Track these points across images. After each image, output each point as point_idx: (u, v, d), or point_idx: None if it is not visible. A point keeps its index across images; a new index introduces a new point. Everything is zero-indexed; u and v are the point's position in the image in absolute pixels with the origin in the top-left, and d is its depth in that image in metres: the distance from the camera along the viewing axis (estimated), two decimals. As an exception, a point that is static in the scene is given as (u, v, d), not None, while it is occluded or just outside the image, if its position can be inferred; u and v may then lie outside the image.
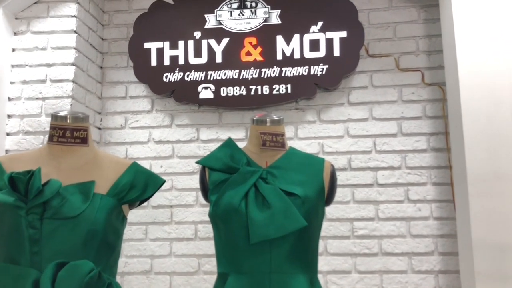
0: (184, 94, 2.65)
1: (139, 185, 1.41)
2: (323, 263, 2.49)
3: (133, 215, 2.65)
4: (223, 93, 2.61)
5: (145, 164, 2.68)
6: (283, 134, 1.47)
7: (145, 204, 2.63)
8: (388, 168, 2.54)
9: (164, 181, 1.49)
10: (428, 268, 2.43)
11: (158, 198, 2.65)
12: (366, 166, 2.55)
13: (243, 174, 1.38)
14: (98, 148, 1.48)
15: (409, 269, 2.44)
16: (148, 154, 2.71)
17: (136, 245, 2.63)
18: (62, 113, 1.39)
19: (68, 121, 1.38)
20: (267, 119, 1.46)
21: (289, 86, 2.57)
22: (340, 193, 2.54)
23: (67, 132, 1.36)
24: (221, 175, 1.42)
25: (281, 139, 1.46)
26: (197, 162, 1.48)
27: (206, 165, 1.46)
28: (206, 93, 2.63)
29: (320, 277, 2.57)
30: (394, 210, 2.50)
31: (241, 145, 1.53)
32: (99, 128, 2.77)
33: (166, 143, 2.71)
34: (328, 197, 1.45)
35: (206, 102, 2.64)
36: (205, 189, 1.46)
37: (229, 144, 1.49)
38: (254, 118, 1.47)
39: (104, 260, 1.31)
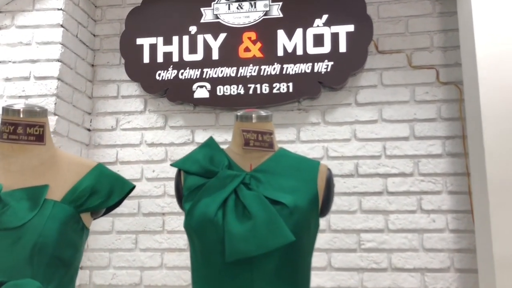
0: (178, 93, 2.46)
1: (103, 190, 1.22)
2: (326, 279, 2.27)
3: (122, 223, 2.46)
4: (220, 92, 2.42)
5: (136, 168, 2.50)
6: (271, 133, 1.26)
7: (135, 211, 2.45)
8: (399, 174, 2.31)
9: (133, 186, 1.30)
10: (443, 286, 2.19)
11: (149, 205, 2.47)
12: (375, 173, 2.33)
13: (222, 178, 1.18)
14: (59, 148, 1.28)
15: (422, 286, 2.20)
16: (139, 157, 2.53)
17: (125, 255, 2.44)
18: (16, 107, 1.21)
19: (21, 116, 1.20)
20: (253, 115, 1.26)
21: (290, 84, 2.37)
22: (346, 202, 2.32)
23: (19, 128, 1.18)
24: (197, 179, 1.22)
25: (269, 138, 1.26)
26: (171, 165, 1.28)
27: (181, 168, 1.26)
28: (201, 92, 2.44)
29: (322, 294, 2.36)
30: (405, 221, 2.27)
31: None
32: (89, 130, 2.60)
33: (159, 145, 2.53)
34: (323, 207, 1.23)
35: (201, 102, 2.45)
36: (180, 196, 1.27)
37: (210, 144, 1.29)
38: (238, 113, 1.27)
39: (57, 278, 1.12)
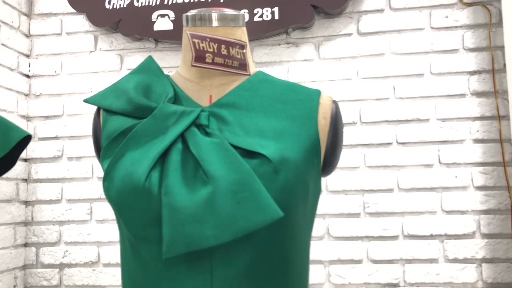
0: (134, 25, 1.95)
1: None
2: (324, 250, 1.86)
3: (73, 189, 2.01)
4: (186, 23, 1.91)
5: (87, 122, 2.02)
6: (243, 45, 0.79)
7: (88, 174, 1.99)
8: (413, 120, 1.86)
9: (27, 136, 0.83)
10: (467, 255, 1.79)
11: (104, 166, 2.00)
12: (383, 119, 1.87)
13: (161, 118, 0.71)
14: None
15: (441, 256, 1.80)
16: (91, 109, 2.04)
17: (78, 228, 2.00)
18: None
19: None
20: (212, 14, 0.77)
21: (276, 10, 1.87)
22: (347, 156, 1.87)
23: None
24: (123, 121, 0.75)
25: (239, 53, 0.78)
26: (84, 101, 0.80)
27: (98, 104, 0.79)
28: (163, 23, 1.93)
29: (321, 268, 1.96)
30: (420, 177, 1.84)
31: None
32: (28, 76, 2.09)
33: (114, 93, 2.03)
34: (327, 161, 0.78)
35: (164, 35, 1.94)
36: (99, 148, 0.80)
37: (147, 67, 0.81)
38: (188, 14, 0.79)
39: None
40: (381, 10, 1.91)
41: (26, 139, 0.84)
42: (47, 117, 2.06)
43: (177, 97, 0.76)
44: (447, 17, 1.88)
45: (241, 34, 0.80)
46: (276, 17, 1.86)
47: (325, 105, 0.78)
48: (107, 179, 0.70)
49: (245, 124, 0.73)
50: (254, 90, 0.78)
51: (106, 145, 0.73)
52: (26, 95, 2.08)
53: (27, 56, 2.10)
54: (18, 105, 2.02)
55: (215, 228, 0.62)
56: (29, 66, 2.10)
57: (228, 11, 0.78)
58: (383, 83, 1.89)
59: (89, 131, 2.02)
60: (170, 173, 0.66)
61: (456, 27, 1.87)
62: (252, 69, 0.82)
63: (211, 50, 0.74)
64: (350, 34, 1.92)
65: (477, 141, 1.82)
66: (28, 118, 2.06)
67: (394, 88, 1.88)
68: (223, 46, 0.75)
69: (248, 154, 0.69)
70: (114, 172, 0.69)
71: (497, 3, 1.83)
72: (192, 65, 0.74)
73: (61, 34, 2.10)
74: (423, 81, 1.87)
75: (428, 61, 1.87)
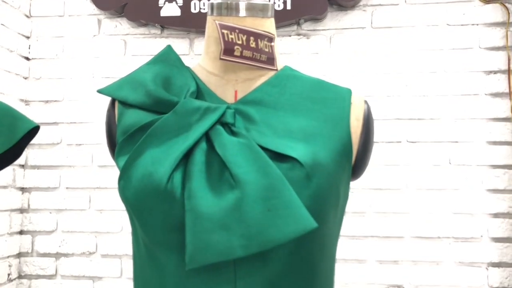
0: (139, 10, 1.88)
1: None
2: (328, 248, 1.81)
3: (71, 176, 1.95)
4: (195, 9, 1.84)
5: (87, 108, 1.96)
6: (271, 38, 0.73)
7: (87, 162, 1.93)
8: (424, 118, 1.81)
9: (34, 127, 0.78)
10: (474, 258, 1.75)
11: (105, 155, 1.94)
12: (393, 116, 1.83)
13: (184, 114, 0.66)
14: None
15: (447, 259, 1.77)
16: (93, 95, 1.97)
17: (75, 216, 1.94)
18: None
19: None
20: (240, 3, 0.71)
21: (288, 0, 1.81)
22: (355, 153, 1.82)
23: None
24: (140, 116, 0.69)
25: (267, 46, 0.72)
26: (98, 91, 0.75)
27: (114, 96, 0.74)
28: (170, 9, 1.86)
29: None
30: (429, 177, 1.80)
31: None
32: (27, 59, 2.02)
33: (116, 79, 1.96)
34: (358, 164, 0.73)
35: (171, 21, 1.87)
36: (113, 144, 0.75)
37: (166, 56, 0.75)
38: (214, 1, 0.73)
39: None
40: (396, 4, 1.86)
41: (33, 130, 0.79)
42: (46, 102, 2.00)
43: (199, 92, 0.70)
44: (464, 14, 1.82)
45: (270, 26, 0.74)
46: (288, 7, 1.80)
47: (357, 106, 0.73)
48: (123, 178, 0.64)
49: (273, 124, 0.67)
50: (282, 86, 0.72)
51: (123, 140, 0.67)
52: (25, 78, 2.01)
53: (27, 37, 2.02)
54: (16, 88, 1.95)
55: (243, 238, 0.57)
56: (29, 48, 2.02)
57: (257, 0, 0.73)
58: (395, 79, 1.84)
59: (90, 118, 1.96)
60: (194, 175, 0.61)
61: (473, 24, 1.82)
62: (279, 63, 0.76)
63: (240, 42, 0.68)
64: (363, 28, 1.87)
65: (489, 142, 1.78)
66: (26, 102, 2.00)
67: (406, 85, 1.83)
68: (251, 38, 0.69)
69: (277, 156, 0.63)
70: (131, 171, 0.63)
71: (516, 2, 1.78)
72: (221, 58, 0.68)
73: (63, 16, 2.02)
74: (436, 78, 1.82)
75: (442, 58, 1.82)
